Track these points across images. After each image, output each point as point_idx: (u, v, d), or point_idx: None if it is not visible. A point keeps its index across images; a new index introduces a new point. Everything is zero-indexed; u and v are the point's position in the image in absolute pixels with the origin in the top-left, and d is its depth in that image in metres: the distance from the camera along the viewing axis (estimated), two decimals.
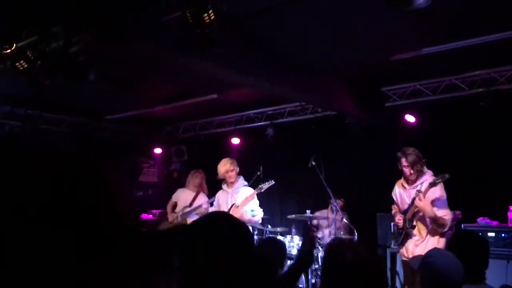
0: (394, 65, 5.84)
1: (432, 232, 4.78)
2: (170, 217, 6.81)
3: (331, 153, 7.12)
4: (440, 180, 4.57)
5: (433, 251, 2.71)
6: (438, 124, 6.65)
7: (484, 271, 2.86)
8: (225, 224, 1.40)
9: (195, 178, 6.86)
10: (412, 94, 6.83)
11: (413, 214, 4.83)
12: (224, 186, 6.17)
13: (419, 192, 4.70)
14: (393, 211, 5.31)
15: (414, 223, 4.84)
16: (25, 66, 4.43)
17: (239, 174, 6.12)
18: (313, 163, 6.30)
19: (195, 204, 6.66)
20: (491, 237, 5.51)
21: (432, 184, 4.58)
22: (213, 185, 6.50)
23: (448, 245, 3.16)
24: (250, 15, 4.49)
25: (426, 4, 3.35)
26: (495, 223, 5.81)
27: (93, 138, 8.92)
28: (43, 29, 4.25)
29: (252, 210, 5.96)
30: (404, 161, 4.80)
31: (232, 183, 6.03)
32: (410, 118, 6.87)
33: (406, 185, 4.99)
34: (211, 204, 6.45)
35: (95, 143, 8.87)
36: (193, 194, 6.78)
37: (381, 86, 6.99)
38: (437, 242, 4.73)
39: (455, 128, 6.55)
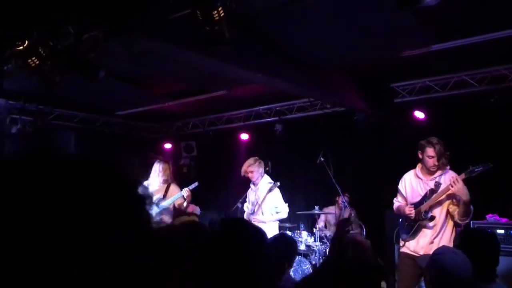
0: (404, 61, 5.83)
1: (445, 226, 4.59)
2: None
3: (339, 149, 7.13)
4: (479, 170, 4.30)
5: (442, 249, 2.70)
6: (447, 120, 6.63)
7: (495, 268, 2.84)
8: (243, 232, 1.42)
9: (166, 170, 6.34)
10: (421, 90, 6.81)
11: (430, 206, 4.57)
12: (251, 184, 6.38)
13: (439, 184, 4.51)
14: (397, 204, 4.99)
15: (431, 214, 4.57)
16: (37, 62, 4.49)
17: None
18: (322, 159, 6.32)
19: (169, 195, 6.23)
20: (500, 234, 5.48)
21: (470, 173, 4.31)
22: (220, 180, 6.54)
23: (457, 243, 3.14)
24: (259, 12, 4.50)
25: (436, 2, 3.33)
26: (504, 220, 5.79)
27: (104, 134, 9.00)
28: (54, 26, 4.31)
29: (275, 207, 6.06)
30: (431, 151, 4.49)
31: (255, 182, 6.25)
32: (419, 115, 6.85)
33: (421, 175, 4.73)
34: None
35: (105, 139, 8.96)
36: (164, 185, 6.31)
37: (390, 82, 6.97)
38: (451, 236, 4.58)
39: (464, 124, 6.53)
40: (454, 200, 4.54)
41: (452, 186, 4.31)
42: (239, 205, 6.34)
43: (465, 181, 4.35)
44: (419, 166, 4.79)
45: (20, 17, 4.29)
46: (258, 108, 8.42)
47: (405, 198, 4.90)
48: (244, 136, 8.83)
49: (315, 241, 6.69)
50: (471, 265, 2.47)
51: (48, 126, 7.95)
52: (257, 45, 5.08)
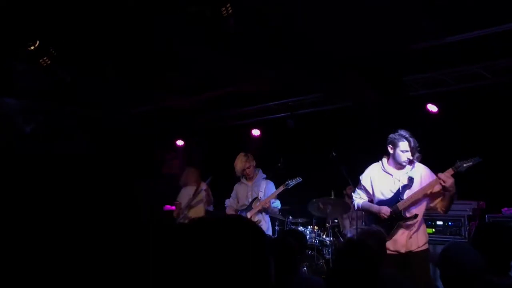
0: (416, 54, 5.76)
1: (422, 221, 4.44)
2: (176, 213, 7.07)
3: (352, 144, 7.09)
4: (468, 165, 4.11)
5: (451, 244, 2.68)
6: (461, 113, 6.54)
7: (509, 262, 2.81)
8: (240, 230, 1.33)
9: (192, 175, 7.08)
10: (435, 83, 6.72)
11: (411, 203, 4.34)
12: (243, 179, 6.19)
13: (412, 179, 4.36)
14: (360, 202, 4.71)
15: (413, 212, 4.34)
16: (48, 62, 4.55)
17: (256, 165, 6.16)
18: (334, 154, 6.29)
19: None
20: None
21: (457, 168, 4.12)
22: (232, 177, 6.51)
23: (473, 236, 3.12)
24: (267, 7, 4.48)
25: None
26: None
27: (116, 132, 9.05)
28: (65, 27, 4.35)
29: (272, 202, 6.00)
30: (406, 146, 4.36)
31: (251, 177, 6.07)
32: (432, 108, 6.77)
33: (390, 171, 4.52)
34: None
35: (118, 137, 9.01)
36: (194, 188, 6.92)
37: (403, 76, 6.89)
38: (424, 230, 4.50)
39: (478, 117, 6.44)
40: (436, 195, 4.34)
41: (444, 182, 4.09)
42: (246, 202, 6.14)
43: (455, 176, 4.15)
44: (385, 160, 4.61)
45: (32, 17, 4.33)
46: (269, 103, 8.38)
47: (369, 195, 4.67)
48: (256, 132, 8.82)
49: (328, 236, 6.67)
50: (481, 258, 2.45)
51: (60, 125, 8.02)
52: (266, 40, 5.05)
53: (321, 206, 6.55)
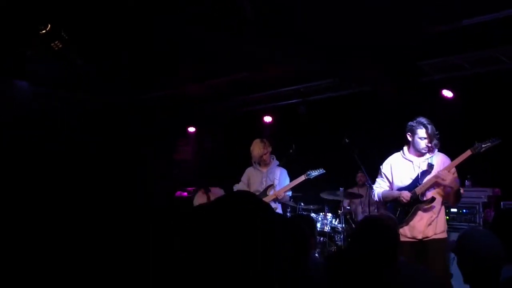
0: (431, 38, 5.64)
1: (441, 207, 4.44)
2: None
3: (364, 130, 7.02)
4: (487, 146, 4.15)
5: (470, 231, 2.62)
6: (477, 99, 6.42)
7: None
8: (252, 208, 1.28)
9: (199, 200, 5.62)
10: (450, 68, 6.59)
11: (426, 188, 4.38)
12: (256, 165, 6.04)
13: (431, 165, 4.39)
14: (380, 190, 4.71)
15: (429, 196, 4.38)
16: (60, 46, 4.53)
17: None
18: (347, 140, 6.22)
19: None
20: None
21: (475, 149, 4.15)
22: (244, 163, 6.46)
23: (491, 223, 3.08)
24: None
25: None
26: None
27: (129, 118, 9.06)
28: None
29: None
30: (423, 133, 4.40)
31: (267, 163, 5.96)
32: (447, 93, 6.66)
33: (410, 157, 4.56)
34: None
35: (130, 123, 9.02)
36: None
37: (417, 60, 6.77)
38: (444, 218, 4.49)
39: (494, 102, 6.32)
40: (444, 189, 4.40)
41: (444, 180, 4.22)
42: (260, 188, 6.07)
43: (473, 157, 4.21)
44: (405, 148, 4.65)
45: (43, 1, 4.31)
46: (281, 89, 8.31)
47: (389, 183, 4.70)
48: (268, 118, 8.77)
49: (340, 222, 6.65)
50: (499, 245, 2.39)
51: (72, 110, 8.04)
52: (279, 25, 4.98)
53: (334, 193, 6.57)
